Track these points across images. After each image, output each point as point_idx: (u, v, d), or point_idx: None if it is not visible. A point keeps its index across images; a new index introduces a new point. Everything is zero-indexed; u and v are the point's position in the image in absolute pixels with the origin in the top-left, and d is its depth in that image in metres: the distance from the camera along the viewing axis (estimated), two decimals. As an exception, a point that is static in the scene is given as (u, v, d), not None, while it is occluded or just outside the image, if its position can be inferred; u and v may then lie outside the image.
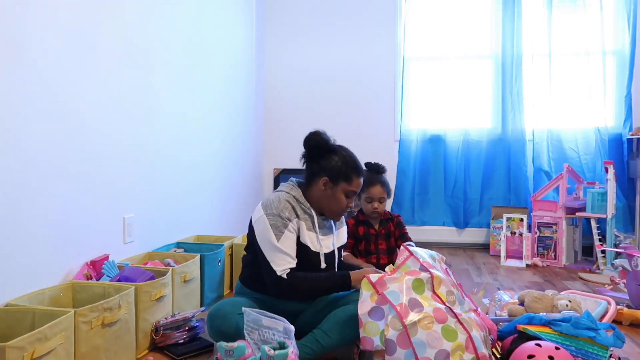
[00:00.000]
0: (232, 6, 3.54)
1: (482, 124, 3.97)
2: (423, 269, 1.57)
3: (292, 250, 1.69)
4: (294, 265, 1.69)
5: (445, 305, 1.49)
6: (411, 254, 1.62)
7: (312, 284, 1.70)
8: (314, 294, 1.74)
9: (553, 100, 3.79)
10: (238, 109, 3.68)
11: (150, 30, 2.42)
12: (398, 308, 1.46)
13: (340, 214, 1.81)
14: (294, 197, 1.77)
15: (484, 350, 1.43)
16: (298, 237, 1.72)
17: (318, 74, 4.21)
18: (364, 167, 2.36)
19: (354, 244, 2.44)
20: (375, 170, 2.39)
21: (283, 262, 1.66)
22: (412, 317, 1.44)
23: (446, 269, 1.66)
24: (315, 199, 1.78)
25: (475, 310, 1.59)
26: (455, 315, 1.46)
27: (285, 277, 1.66)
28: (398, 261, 1.62)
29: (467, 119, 3.94)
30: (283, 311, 1.61)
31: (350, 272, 1.72)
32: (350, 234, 2.33)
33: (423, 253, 1.64)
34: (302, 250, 1.72)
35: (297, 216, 1.73)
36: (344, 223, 1.98)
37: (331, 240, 1.83)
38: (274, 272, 1.65)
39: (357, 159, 1.81)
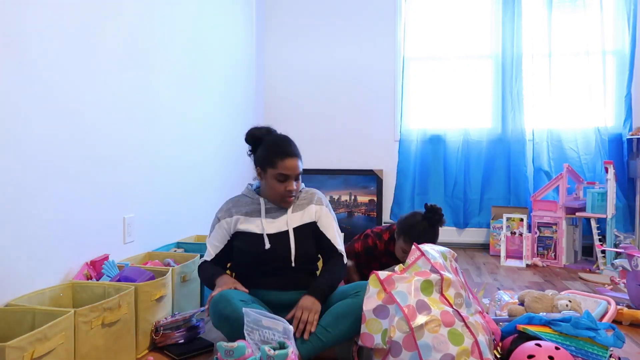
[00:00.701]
0: (232, 6, 3.54)
1: (482, 124, 3.97)
2: (434, 270, 1.55)
3: (215, 245, 1.87)
4: (209, 258, 1.88)
5: (453, 308, 1.48)
6: (422, 254, 1.60)
7: (202, 275, 1.90)
8: (206, 282, 1.87)
9: (553, 100, 3.78)
10: (238, 109, 3.68)
11: (150, 30, 2.42)
12: (405, 310, 1.45)
13: (281, 199, 1.83)
14: (242, 194, 1.92)
15: (489, 355, 1.42)
16: (237, 233, 1.84)
17: (318, 73, 4.21)
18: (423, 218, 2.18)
19: (368, 260, 2.30)
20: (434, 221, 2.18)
21: (206, 254, 1.91)
22: (420, 319, 1.43)
23: (456, 268, 1.64)
24: (262, 188, 1.90)
25: (481, 313, 1.58)
26: (463, 319, 1.45)
27: (200, 264, 1.92)
28: (409, 261, 1.61)
29: (467, 119, 3.94)
30: (273, 302, 1.76)
31: (219, 279, 1.78)
32: (369, 250, 2.29)
33: (434, 253, 1.61)
34: (242, 237, 1.83)
35: (233, 214, 1.85)
36: (310, 202, 1.89)
37: (284, 222, 1.83)
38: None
39: (283, 142, 1.82)
